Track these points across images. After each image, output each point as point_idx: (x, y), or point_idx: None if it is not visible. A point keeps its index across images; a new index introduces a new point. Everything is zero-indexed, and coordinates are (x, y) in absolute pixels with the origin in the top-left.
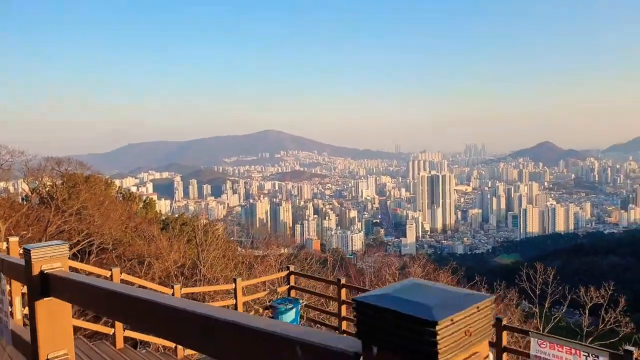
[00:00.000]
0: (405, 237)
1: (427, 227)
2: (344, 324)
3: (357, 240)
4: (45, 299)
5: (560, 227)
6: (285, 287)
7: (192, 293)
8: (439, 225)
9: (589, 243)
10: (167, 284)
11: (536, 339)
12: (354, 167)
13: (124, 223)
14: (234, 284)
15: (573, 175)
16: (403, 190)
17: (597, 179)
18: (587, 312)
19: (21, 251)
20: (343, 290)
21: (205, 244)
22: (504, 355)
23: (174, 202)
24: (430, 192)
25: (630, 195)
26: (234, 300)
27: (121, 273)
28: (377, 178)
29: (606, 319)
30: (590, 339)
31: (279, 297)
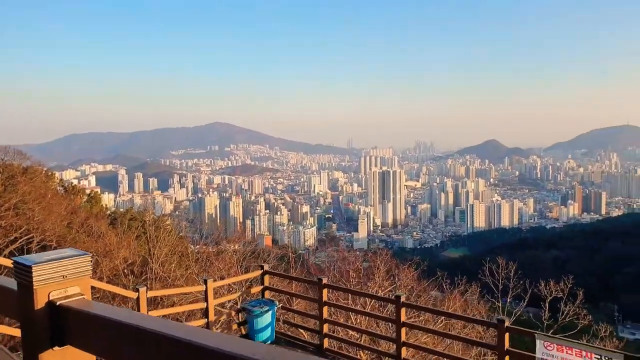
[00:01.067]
0: (357, 231)
1: (379, 222)
2: (326, 327)
3: (310, 236)
4: (56, 348)
5: (505, 222)
6: (259, 288)
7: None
8: (390, 220)
9: (533, 237)
10: (117, 283)
11: (542, 341)
12: (306, 161)
13: (68, 218)
14: (204, 286)
15: (517, 172)
16: (355, 185)
17: (539, 176)
18: (547, 305)
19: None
20: (324, 291)
21: (156, 240)
22: (506, 357)
23: (118, 196)
24: (381, 187)
25: (570, 192)
26: (205, 304)
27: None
28: (330, 173)
29: (565, 312)
30: (551, 331)
31: (252, 298)
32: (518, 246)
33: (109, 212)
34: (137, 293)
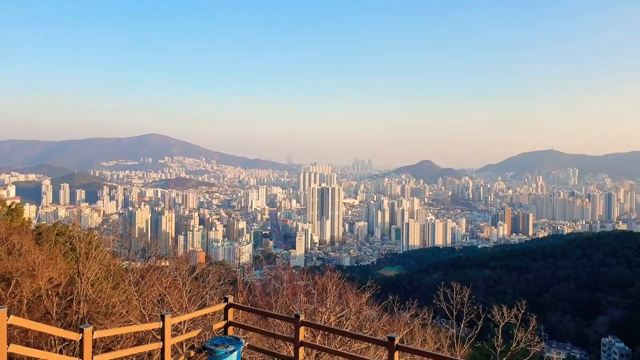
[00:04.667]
0: (295, 248)
1: (316, 239)
2: None
3: (245, 252)
4: None
5: (439, 241)
6: (221, 324)
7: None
8: (328, 237)
9: (465, 256)
10: (39, 307)
11: None
12: (244, 176)
13: None
14: (161, 323)
15: (450, 192)
16: (294, 201)
17: (471, 196)
18: (500, 332)
19: None
20: (301, 329)
21: (86, 257)
22: None
23: (41, 207)
24: (320, 204)
25: (499, 213)
26: (160, 344)
27: (8, 315)
28: (268, 188)
29: (517, 338)
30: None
31: (214, 335)
32: (451, 265)
33: (33, 226)
34: (81, 334)
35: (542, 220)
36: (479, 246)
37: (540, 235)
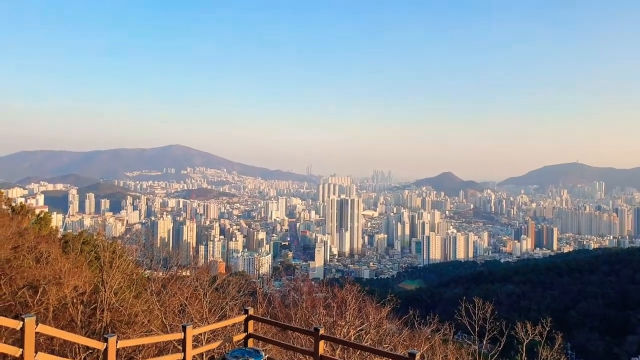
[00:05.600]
0: (314, 260)
1: (335, 251)
2: None
3: (265, 263)
4: None
5: (460, 255)
6: (242, 336)
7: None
8: (347, 249)
9: (488, 271)
10: (64, 314)
11: None
12: (264, 187)
13: (15, 241)
14: (182, 334)
15: (472, 205)
16: (313, 212)
17: (493, 209)
18: (524, 349)
19: None
20: (321, 343)
21: (110, 266)
22: None
23: (67, 216)
24: (339, 215)
25: (523, 227)
26: (182, 355)
27: (37, 323)
28: (288, 199)
29: (542, 356)
30: None
31: (234, 347)
32: (473, 280)
33: (60, 234)
34: (106, 344)
35: (567, 235)
36: (502, 260)
37: (565, 250)
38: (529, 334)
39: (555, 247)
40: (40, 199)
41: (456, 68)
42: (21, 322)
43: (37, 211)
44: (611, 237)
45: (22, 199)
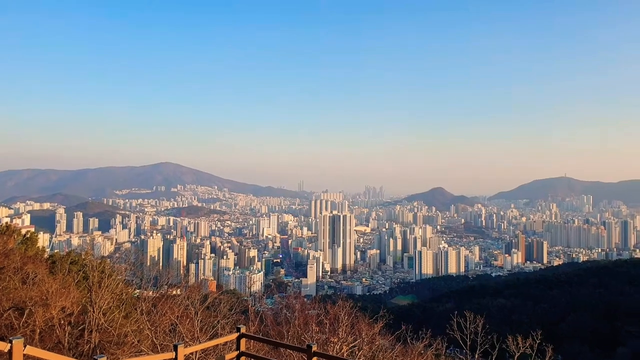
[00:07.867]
0: (306, 277)
1: (328, 267)
2: None
3: (257, 281)
4: None
5: (452, 269)
6: (234, 354)
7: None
8: (339, 265)
9: (479, 285)
10: (51, 336)
11: None
12: (255, 204)
13: (1, 262)
14: (174, 353)
15: (463, 219)
16: (305, 229)
17: (484, 224)
18: None
19: None
20: None
21: (98, 286)
22: None
23: (54, 236)
24: (331, 231)
25: (513, 241)
26: None
27: (24, 345)
28: (280, 216)
29: None
30: None
31: None
32: (465, 294)
33: (46, 254)
34: None
35: (557, 248)
36: (493, 274)
37: (555, 263)
38: (520, 347)
39: (545, 260)
40: (27, 218)
41: (446, 84)
42: (9, 344)
43: (23, 231)
44: (599, 250)
45: (8, 219)
